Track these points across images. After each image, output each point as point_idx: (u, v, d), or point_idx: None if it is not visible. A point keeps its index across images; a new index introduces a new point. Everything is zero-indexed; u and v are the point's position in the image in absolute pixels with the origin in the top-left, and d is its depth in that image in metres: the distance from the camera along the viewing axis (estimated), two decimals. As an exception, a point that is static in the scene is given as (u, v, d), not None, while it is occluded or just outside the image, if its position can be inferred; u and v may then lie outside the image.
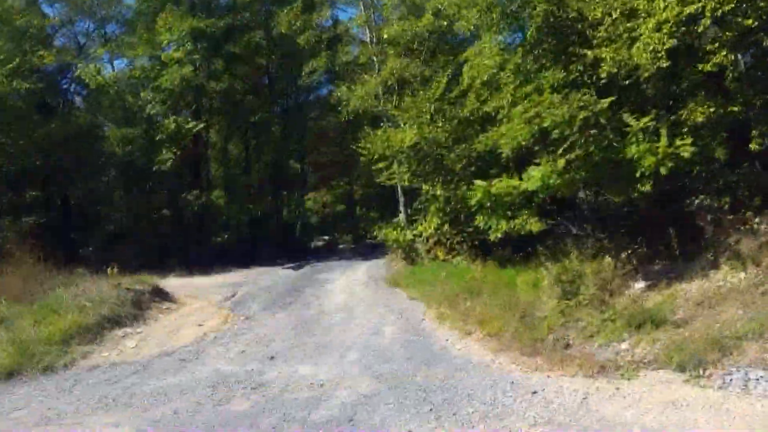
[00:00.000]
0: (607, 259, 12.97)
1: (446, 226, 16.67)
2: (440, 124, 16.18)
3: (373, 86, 19.08)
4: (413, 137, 15.77)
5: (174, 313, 12.57)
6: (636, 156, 9.63)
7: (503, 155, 12.59)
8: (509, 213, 11.16)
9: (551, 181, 10.17)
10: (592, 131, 9.68)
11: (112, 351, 9.86)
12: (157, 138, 19.95)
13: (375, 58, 20.10)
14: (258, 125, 26.84)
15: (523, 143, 11.38)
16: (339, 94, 20.43)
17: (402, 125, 17.38)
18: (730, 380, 6.49)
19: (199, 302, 13.80)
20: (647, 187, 9.55)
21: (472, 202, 11.22)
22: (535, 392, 6.54)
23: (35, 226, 19.94)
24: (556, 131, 10.06)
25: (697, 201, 11.35)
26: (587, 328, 9.65)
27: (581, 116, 9.78)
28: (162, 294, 13.52)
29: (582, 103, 9.90)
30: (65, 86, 24.66)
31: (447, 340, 9.17)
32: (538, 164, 11.11)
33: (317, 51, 22.71)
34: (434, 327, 10.05)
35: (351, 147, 31.21)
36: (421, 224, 17.86)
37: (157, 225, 22.37)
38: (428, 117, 16.19)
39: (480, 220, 11.34)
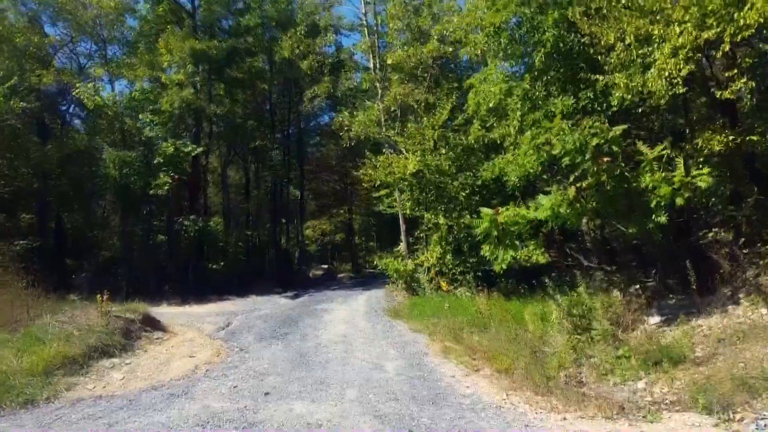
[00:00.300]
0: (615, 292, 12.62)
1: (448, 256, 16.26)
2: (443, 152, 15.92)
3: (376, 112, 18.86)
4: (416, 164, 15.46)
5: (165, 343, 12.01)
6: (651, 186, 9.26)
7: (509, 184, 12.25)
8: (517, 243, 10.70)
9: (561, 210, 9.76)
10: (605, 158, 9.30)
11: (97, 383, 9.29)
12: (155, 161, 19.55)
13: (378, 85, 19.91)
14: (258, 151, 26.59)
15: (531, 171, 11.06)
16: (341, 119, 20.18)
17: (404, 152, 17.10)
18: (765, 425, 5.98)
19: (192, 332, 13.24)
20: (662, 219, 9.14)
21: (478, 231, 10.79)
22: (552, 437, 6.03)
23: (28, 251, 19.42)
24: (567, 159, 9.71)
25: (710, 234, 10.97)
26: (601, 366, 9.17)
27: (593, 143, 9.44)
28: (153, 323, 12.97)
29: (594, 130, 9.56)
30: (64, 108, 24.49)
31: (453, 376, 8.63)
32: (546, 193, 10.77)
33: (319, 77, 22.50)
34: (439, 362, 9.51)
35: (351, 175, 31.22)
36: (423, 254, 17.43)
37: (152, 251, 21.85)
38: (431, 144, 15.92)
39: (486, 250, 10.88)
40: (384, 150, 18.84)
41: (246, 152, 26.78)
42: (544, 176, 11.54)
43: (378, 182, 17.51)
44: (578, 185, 9.75)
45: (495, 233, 10.59)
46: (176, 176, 19.49)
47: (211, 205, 33.03)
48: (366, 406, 7.32)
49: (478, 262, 16.10)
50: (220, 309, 17.15)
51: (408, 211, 17.75)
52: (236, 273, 23.24)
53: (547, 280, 13.26)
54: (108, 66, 21.52)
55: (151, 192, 19.44)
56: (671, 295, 10.80)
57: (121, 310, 12.49)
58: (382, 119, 19.08)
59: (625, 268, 12.42)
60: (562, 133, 9.96)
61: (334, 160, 36.11)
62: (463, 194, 15.38)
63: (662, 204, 9.15)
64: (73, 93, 18.80)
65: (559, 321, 11.25)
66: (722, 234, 10.87)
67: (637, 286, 11.90)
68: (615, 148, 9.62)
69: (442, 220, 15.86)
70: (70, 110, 24.90)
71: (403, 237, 19.70)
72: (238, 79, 23.15)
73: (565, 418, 6.69)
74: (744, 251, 10.39)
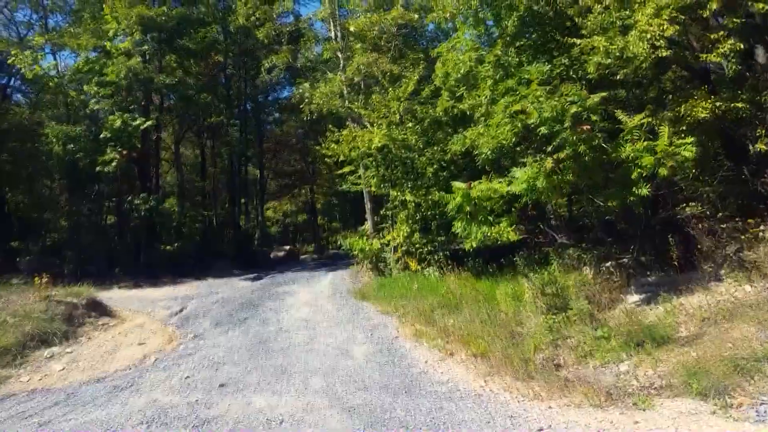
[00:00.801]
0: (586, 270, 12.22)
1: (416, 235, 15.61)
2: (410, 125, 15.15)
3: (338, 84, 17.82)
4: (381, 138, 14.65)
5: (112, 330, 11.04)
6: (632, 156, 8.75)
7: (480, 158, 11.60)
8: (491, 219, 10.09)
9: (538, 183, 9.16)
10: (585, 126, 8.71)
11: (33, 375, 8.38)
12: (102, 136, 18.14)
13: (339, 55, 18.87)
14: (214, 128, 25.27)
15: (505, 143, 10.43)
16: (301, 91, 19.10)
17: (369, 126, 16.27)
18: (765, 411, 5.53)
19: (143, 317, 12.27)
20: (644, 191, 8.65)
21: (450, 206, 10.14)
22: (541, 429, 5.45)
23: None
24: (544, 128, 9.10)
25: (687, 208, 10.59)
26: (579, 347, 8.70)
27: (572, 111, 8.84)
28: (99, 308, 11.97)
29: (572, 98, 8.95)
30: (4, 81, 22.67)
31: (426, 362, 7.99)
32: (521, 166, 10.18)
33: (277, 48, 21.29)
34: (410, 346, 8.86)
35: (313, 153, 30.16)
36: (389, 233, 16.73)
37: (102, 232, 20.48)
38: (397, 117, 15.13)
39: (458, 227, 10.24)
40: (347, 125, 17.89)
41: (201, 128, 25.37)
42: (518, 148, 10.92)
43: (341, 158, 16.64)
44: (555, 156, 9.17)
45: (467, 209, 9.95)
46: (125, 152, 18.15)
47: (166, 185, 31.57)
48: (333, 397, 6.63)
49: (447, 241, 15.55)
50: (174, 292, 16.13)
51: (373, 189, 16.96)
52: (192, 255, 22.07)
53: (517, 259, 12.87)
54: (49, 35, 19.79)
55: (98, 169, 18.08)
56: (648, 273, 10.37)
57: (63, 294, 11.49)
58: (345, 91, 18.08)
59: (597, 245, 11.98)
60: (537, 101, 9.34)
61: (295, 138, 34.96)
62: (431, 170, 14.67)
63: (644, 175, 8.65)
64: (8, 62, 17.17)
65: (532, 300, 10.79)
66: (699, 208, 10.50)
67: (609, 263, 11.51)
68: (594, 117, 9.04)
69: (409, 197, 15.15)
70: (11, 83, 23.13)
71: (368, 216, 18.94)
72: (191, 50, 21.70)
73: (550, 407, 6.13)
74: (722, 226, 10.04)
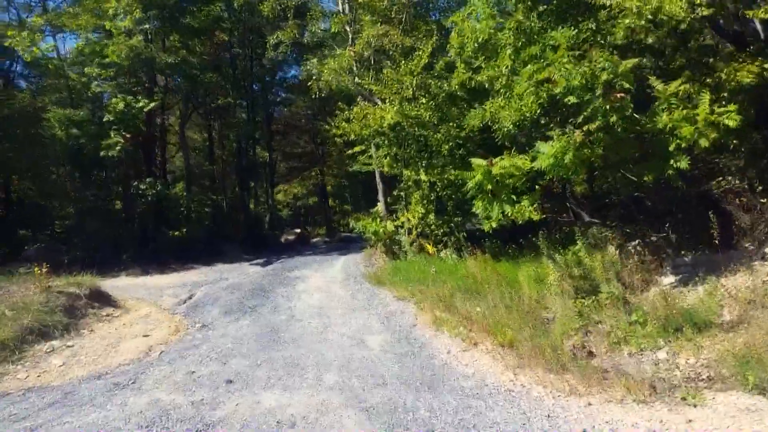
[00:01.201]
0: (611, 249, 11.55)
1: (431, 216, 14.95)
2: (424, 101, 14.40)
3: (347, 59, 17.02)
4: (394, 116, 13.93)
5: (116, 321, 10.55)
6: (669, 126, 8.01)
7: (501, 132, 10.89)
8: (514, 197, 9.41)
9: (567, 157, 8.45)
10: (619, 94, 7.97)
11: (32, 371, 7.88)
12: (105, 120, 17.56)
13: (348, 28, 18.05)
14: (221, 110, 24.60)
15: (528, 115, 9.71)
16: (309, 67, 18.36)
17: (380, 103, 15.54)
18: (841, 410, 4.90)
19: (149, 307, 11.78)
20: (683, 164, 7.92)
21: (470, 185, 9.46)
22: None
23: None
24: (573, 97, 8.36)
25: (723, 183, 9.84)
26: (612, 333, 8.10)
27: (603, 78, 8.09)
28: (103, 298, 11.47)
29: (604, 64, 8.19)
30: (5, 67, 22.13)
31: (449, 352, 7.41)
32: (546, 140, 9.46)
33: (283, 24, 20.47)
34: (430, 335, 8.27)
35: (322, 134, 29.46)
36: (403, 214, 16.10)
37: (109, 219, 19.99)
38: (410, 93, 14.37)
39: (478, 206, 9.57)
40: (358, 102, 17.13)
41: (208, 110, 24.68)
42: (542, 121, 10.20)
43: (352, 137, 15.96)
44: (585, 128, 8.45)
45: (489, 186, 9.27)
46: (129, 135, 17.57)
47: (175, 169, 31.06)
48: (349, 394, 6.06)
49: (463, 222, 14.91)
50: (183, 279, 15.66)
51: (386, 168, 16.29)
52: (201, 240, 21.56)
53: (540, 239, 12.20)
54: (48, 16, 19.12)
55: (102, 154, 17.53)
56: (683, 252, 9.66)
57: (65, 284, 10.96)
58: (354, 67, 17.31)
59: (626, 223, 11.28)
60: (564, 68, 8.59)
61: (304, 119, 34.26)
62: (447, 147, 13.96)
63: (683, 146, 7.92)
64: (5, 44, 16.57)
65: (557, 283, 10.16)
66: (737, 182, 9.73)
67: (637, 242, 10.83)
68: (626, 84, 8.25)
69: (423, 177, 14.47)
70: (13, 68, 22.60)
71: (380, 197, 18.29)
72: (194, 28, 20.94)
73: (589, 404, 5.52)
74: (762, 201, 9.29)
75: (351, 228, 20.04)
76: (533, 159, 9.42)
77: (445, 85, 13.91)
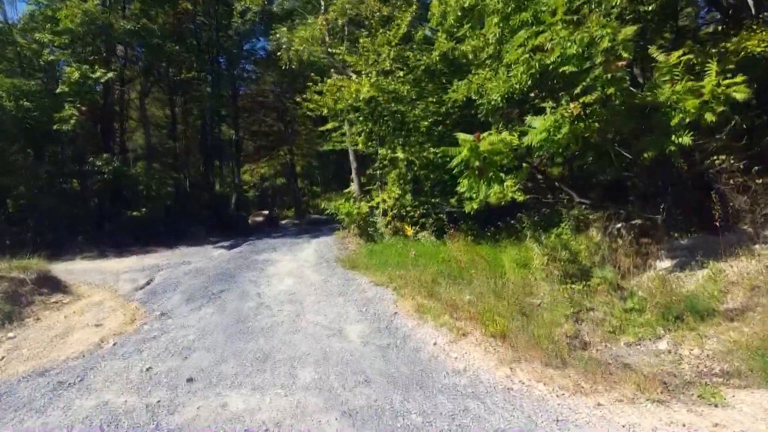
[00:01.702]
0: (593, 232, 11.12)
1: (408, 196, 14.23)
2: (401, 75, 13.57)
3: (319, 27, 15.98)
4: (370, 89, 13.08)
5: (66, 308, 9.56)
6: (672, 99, 7.43)
7: (485, 108, 10.19)
8: (502, 176, 8.74)
9: (561, 132, 7.81)
10: (620, 63, 7.33)
11: (-38, 368, 6.94)
12: (59, 91, 16.21)
13: (320, -7, 16.98)
14: (185, 83, 23.25)
15: (518, 87, 9.01)
16: (278, 36, 17.26)
17: (354, 77, 14.64)
18: None
19: (103, 292, 10.80)
20: (686, 139, 7.35)
21: (455, 161, 8.73)
22: (601, 440, 4.24)
23: None
24: (570, 66, 7.68)
25: (717, 161, 9.35)
26: (607, 321, 7.60)
27: (603, 45, 7.42)
28: (52, 283, 10.44)
29: (601, 32, 7.53)
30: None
31: (435, 343, 6.72)
32: (538, 113, 8.81)
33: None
34: (413, 324, 7.57)
35: (292, 111, 28.30)
36: (378, 195, 15.33)
37: (63, 198, 18.64)
38: (388, 64, 13.52)
39: (464, 185, 8.87)
40: (331, 75, 16.16)
41: (170, 83, 23.29)
42: (532, 94, 9.54)
43: (324, 112, 15.04)
44: (582, 100, 7.81)
45: (476, 163, 8.56)
46: (84, 108, 16.27)
47: (137, 147, 29.51)
48: (327, 394, 5.33)
49: (441, 203, 14.24)
50: (142, 263, 14.61)
51: (360, 146, 15.46)
52: (163, 221, 20.38)
53: (524, 221, 11.65)
54: (-7, -26, 17.57)
55: (55, 127, 16.22)
56: (676, 234, 9.18)
57: (8, 268, 9.91)
58: (327, 37, 16.29)
59: (617, 205, 10.76)
60: (556, 35, 7.92)
61: (272, 95, 32.98)
62: (425, 124, 13.19)
63: (686, 121, 7.35)
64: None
65: (543, 267, 9.62)
66: (731, 162, 9.25)
67: (622, 224, 10.36)
68: (625, 54, 7.61)
69: (401, 155, 13.70)
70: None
71: (354, 177, 17.44)
72: (155, -6, 19.62)
73: (599, 404, 4.92)
74: (758, 181, 8.84)
75: (322, 210, 19.18)
76: (521, 135, 8.78)
77: (425, 57, 13.10)
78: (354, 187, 17.38)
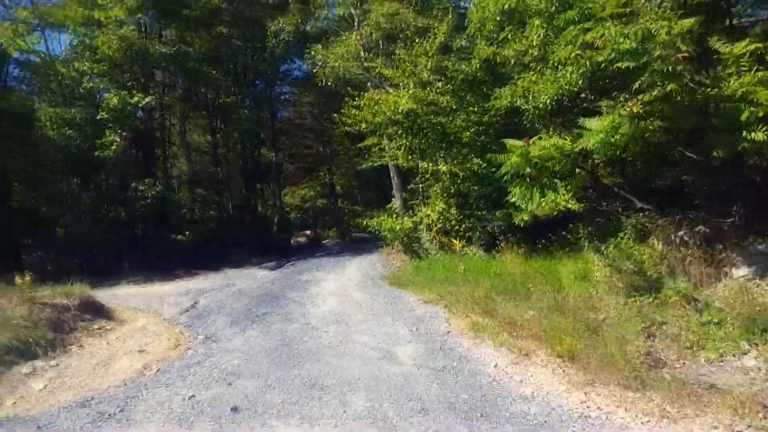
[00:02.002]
0: (653, 240, 10.34)
1: (453, 210, 13.73)
2: (440, 85, 13.20)
3: (354, 43, 15.77)
4: (408, 101, 12.74)
5: (109, 334, 9.43)
6: (741, 92, 6.80)
7: (530, 114, 9.71)
8: (557, 182, 8.21)
9: (621, 132, 7.25)
10: (682, 55, 6.76)
11: (7, 398, 6.74)
12: (99, 118, 16.50)
13: (354, 11, 16.76)
14: (224, 108, 23.47)
15: (567, 88, 8.50)
16: (313, 54, 17.17)
17: (391, 91, 14.35)
18: None
19: (147, 317, 10.67)
20: (760, 135, 6.69)
21: (504, 169, 8.26)
22: (705, 478, 3.66)
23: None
24: (626, 62, 7.14)
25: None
26: (683, 336, 6.90)
27: (662, 38, 6.87)
28: (95, 309, 10.35)
29: (657, 25, 6.98)
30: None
31: (496, 365, 6.21)
32: (591, 115, 8.26)
33: (284, 15, 19.31)
34: (469, 344, 7.07)
35: (330, 131, 28.27)
36: (421, 209, 14.91)
37: (108, 224, 18.89)
38: (426, 75, 13.17)
39: (515, 194, 8.37)
40: (368, 89, 15.90)
41: (210, 109, 23.55)
42: (582, 95, 9.00)
43: (363, 126, 14.78)
44: (640, 98, 7.25)
45: (527, 170, 8.07)
46: (125, 134, 16.50)
47: (181, 174, 30.00)
48: (382, 425, 4.89)
49: (487, 215, 13.68)
50: (186, 286, 14.54)
51: (400, 161, 15.09)
52: (207, 244, 20.45)
53: (581, 231, 11.03)
54: (35, 8, 18.02)
55: (97, 153, 16.48)
56: (750, 239, 8.42)
57: (52, 294, 9.86)
58: (362, 53, 16.07)
59: (681, 210, 10.03)
60: (607, 31, 7.41)
61: (309, 117, 33.16)
62: (468, 134, 12.75)
63: (759, 114, 6.70)
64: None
65: (606, 279, 8.99)
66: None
67: (682, 233, 9.60)
68: (683, 47, 7.03)
69: (443, 168, 13.26)
70: (8, 70, 21.59)
71: (395, 192, 17.07)
72: (192, 19, 19.85)
73: (696, 435, 4.31)
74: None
75: (364, 227, 18.83)
76: (574, 139, 8.26)
77: (464, 66, 12.71)
78: (396, 202, 17.01)
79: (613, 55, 7.34)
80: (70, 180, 18.45)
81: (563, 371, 5.75)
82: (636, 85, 7.07)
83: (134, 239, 18.92)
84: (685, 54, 6.86)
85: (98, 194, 18.56)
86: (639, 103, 7.12)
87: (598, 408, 4.88)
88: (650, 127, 7.36)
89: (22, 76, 21.96)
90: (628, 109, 7.18)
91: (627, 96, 7.47)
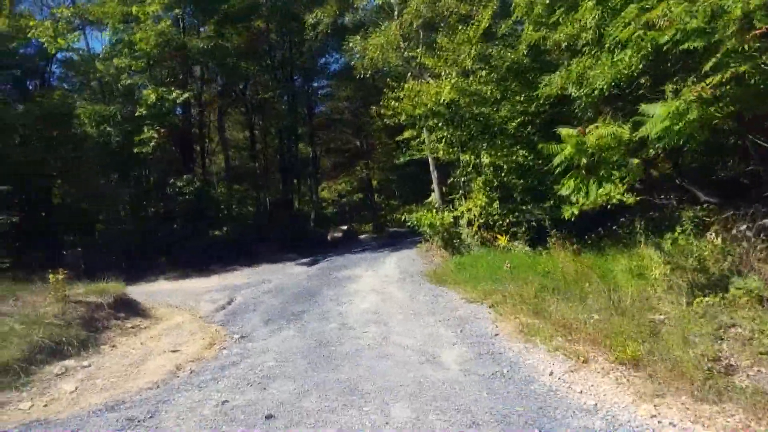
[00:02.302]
0: (712, 235, 9.58)
1: (495, 204, 13.16)
2: (484, 74, 12.63)
3: (394, 32, 15.29)
4: (451, 91, 12.22)
5: (143, 333, 9.26)
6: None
7: (584, 101, 9.08)
8: (616, 173, 7.61)
9: (688, 118, 6.60)
10: (758, 31, 6.09)
11: (38, 399, 6.55)
12: (137, 114, 16.53)
13: (393, 0, 16.28)
14: (262, 104, 23.37)
15: (626, 72, 7.87)
16: (352, 45, 16.80)
17: (432, 81, 13.83)
18: None
19: (182, 315, 10.49)
20: None
21: (557, 160, 7.70)
22: None
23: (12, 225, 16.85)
24: (696, 41, 6.50)
25: None
26: (756, 340, 6.22)
27: (735, 15, 6.20)
28: (129, 306, 10.23)
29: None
30: (40, 67, 21.50)
31: (551, 373, 5.68)
32: (654, 100, 7.62)
33: (322, 3, 18.99)
34: (519, 348, 6.56)
35: (367, 126, 27.93)
36: (461, 204, 14.37)
37: (146, 219, 19.00)
38: (469, 63, 12.61)
39: (569, 186, 7.81)
40: (408, 79, 15.40)
41: (247, 104, 23.50)
42: (642, 80, 8.34)
43: (403, 118, 14.35)
44: (710, 80, 6.59)
45: (583, 160, 7.49)
46: (163, 130, 16.49)
47: (219, 170, 30.20)
48: (429, 439, 4.43)
49: (533, 209, 13.06)
50: (223, 282, 14.41)
51: (441, 154, 14.59)
52: (244, 240, 20.39)
53: (635, 225, 10.32)
54: (76, 6, 18.20)
55: (136, 150, 16.52)
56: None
57: (86, 292, 9.76)
58: (401, 42, 15.58)
59: (742, 202, 9.28)
60: (671, 10, 6.77)
61: (347, 111, 32.91)
62: (513, 124, 12.16)
63: None
64: (29, 35, 15.69)
65: (665, 277, 8.30)
66: None
67: (744, 227, 8.85)
68: (760, 24, 6.33)
69: (486, 160, 12.71)
70: (52, 69, 21.99)
71: (435, 186, 16.55)
72: (229, 14, 19.76)
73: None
74: None
75: (402, 222, 18.40)
76: (634, 127, 7.63)
77: (509, 53, 12.11)
78: (435, 196, 16.50)
79: (678, 35, 6.70)
80: (110, 176, 18.57)
81: (628, 380, 5.20)
82: (707, 67, 6.42)
83: (172, 235, 18.96)
84: (763, 30, 6.18)
85: (137, 190, 18.68)
86: (708, 86, 6.46)
87: (671, 424, 4.33)
88: (719, 113, 6.70)
89: (63, 74, 22.41)
90: (696, 93, 6.53)
91: (694, 79, 6.80)
